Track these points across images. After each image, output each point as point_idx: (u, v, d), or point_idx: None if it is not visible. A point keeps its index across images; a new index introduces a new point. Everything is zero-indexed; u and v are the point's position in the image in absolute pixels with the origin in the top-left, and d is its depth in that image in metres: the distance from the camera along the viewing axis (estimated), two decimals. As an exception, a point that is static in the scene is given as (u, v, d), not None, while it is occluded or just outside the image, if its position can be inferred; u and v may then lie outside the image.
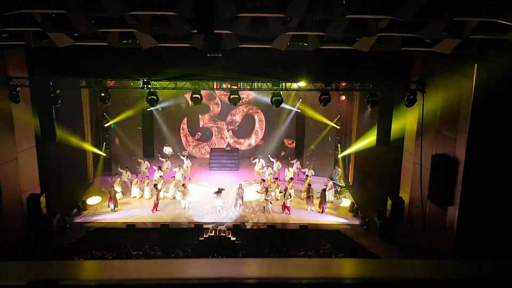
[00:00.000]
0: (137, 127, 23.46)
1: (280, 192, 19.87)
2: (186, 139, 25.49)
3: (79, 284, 1.29)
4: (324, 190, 19.90)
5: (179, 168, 21.57)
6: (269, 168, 22.12)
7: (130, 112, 22.62)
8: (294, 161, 22.65)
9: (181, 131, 25.38)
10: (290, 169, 21.96)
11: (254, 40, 13.70)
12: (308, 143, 23.69)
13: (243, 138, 25.59)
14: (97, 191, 21.25)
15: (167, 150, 23.76)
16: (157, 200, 19.44)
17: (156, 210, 19.47)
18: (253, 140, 25.60)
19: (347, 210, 20.18)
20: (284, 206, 19.49)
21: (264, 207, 19.63)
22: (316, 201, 19.79)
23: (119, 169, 21.57)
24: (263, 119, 25.31)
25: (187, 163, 22.28)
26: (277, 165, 22.31)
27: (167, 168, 22.13)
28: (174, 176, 21.28)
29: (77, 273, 1.38)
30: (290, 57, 15.14)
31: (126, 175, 21.35)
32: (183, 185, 19.95)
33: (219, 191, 19.41)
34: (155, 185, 19.69)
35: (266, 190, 19.64)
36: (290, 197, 19.54)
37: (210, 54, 13.33)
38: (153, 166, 21.63)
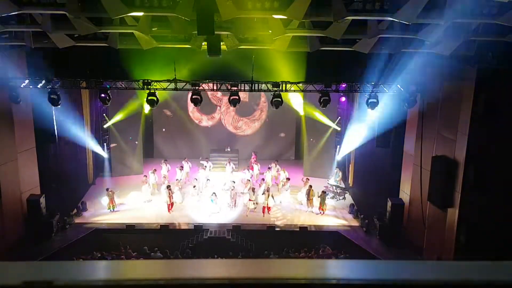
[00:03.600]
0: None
1: (263, 194, 19.78)
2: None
3: (75, 284, 1.28)
4: (324, 192, 19.88)
5: (180, 170, 21.61)
6: (248, 170, 22.08)
7: (130, 107, 22.41)
8: (273, 164, 22.58)
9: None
10: (269, 172, 21.97)
11: (255, 41, 13.72)
12: (309, 144, 23.61)
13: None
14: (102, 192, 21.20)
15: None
16: (170, 201, 19.44)
17: (171, 211, 19.46)
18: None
19: (347, 211, 20.17)
20: (265, 208, 19.47)
21: (248, 207, 19.58)
22: (317, 203, 19.76)
23: (162, 164, 21.95)
24: None
25: (186, 167, 22.35)
26: (257, 167, 22.31)
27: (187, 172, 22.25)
28: (177, 179, 21.30)
29: (74, 273, 1.38)
30: (290, 58, 15.16)
31: (153, 177, 21.34)
32: (194, 186, 20.06)
33: (214, 195, 19.46)
34: (168, 186, 19.67)
35: (253, 190, 19.63)
36: (273, 198, 19.57)
37: (210, 55, 13.34)
38: (175, 168, 21.67)
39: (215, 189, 20.57)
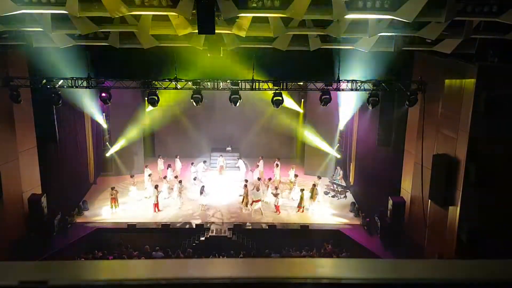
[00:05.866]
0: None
1: (273, 193, 19.83)
2: None
3: (71, 284, 1.28)
4: (302, 190, 19.83)
5: (169, 168, 21.80)
6: (256, 169, 22.10)
7: None
8: (278, 162, 22.64)
9: None
10: (276, 170, 22.03)
11: (255, 40, 13.72)
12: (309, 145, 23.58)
13: None
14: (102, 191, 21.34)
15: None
16: (156, 200, 19.46)
17: (158, 210, 19.49)
18: None
19: (348, 210, 20.17)
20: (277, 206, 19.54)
21: (253, 208, 19.56)
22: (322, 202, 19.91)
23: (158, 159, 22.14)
24: None
25: (178, 165, 22.45)
26: (261, 164, 22.35)
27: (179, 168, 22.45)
28: (165, 176, 21.49)
29: (70, 273, 1.38)
30: (291, 57, 15.15)
31: (147, 173, 21.49)
32: (180, 181, 20.06)
33: (202, 189, 19.56)
34: (156, 186, 19.70)
35: (257, 190, 19.65)
36: (278, 197, 19.61)
37: (211, 54, 13.35)
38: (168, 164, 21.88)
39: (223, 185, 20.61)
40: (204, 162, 22.90)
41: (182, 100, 22.40)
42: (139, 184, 21.03)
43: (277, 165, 22.20)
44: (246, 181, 20.41)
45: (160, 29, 12.39)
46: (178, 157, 22.80)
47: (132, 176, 21.17)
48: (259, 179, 20.81)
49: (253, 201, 19.36)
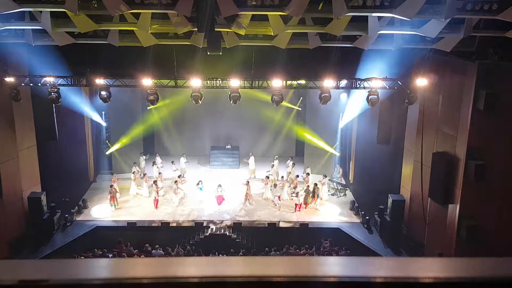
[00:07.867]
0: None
1: (293, 193, 19.94)
2: None
3: (71, 283, 1.28)
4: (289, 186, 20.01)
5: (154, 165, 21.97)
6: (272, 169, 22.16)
7: None
8: (292, 160, 22.64)
9: None
10: (292, 169, 22.05)
11: (255, 38, 13.72)
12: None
13: None
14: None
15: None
16: (157, 196, 19.49)
17: (156, 207, 19.53)
18: None
19: (347, 208, 20.18)
20: (296, 205, 19.59)
21: (274, 203, 19.72)
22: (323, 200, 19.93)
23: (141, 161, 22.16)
24: None
25: (158, 160, 22.61)
26: (276, 163, 22.34)
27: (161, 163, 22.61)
28: (145, 174, 21.54)
29: (70, 271, 1.38)
30: (291, 55, 15.15)
31: (135, 169, 21.54)
32: (175, 182, 20.12)
33: (199, 183, 19.72)
34: (155, 182, 19.71)
35: (275, 186, 19.71)
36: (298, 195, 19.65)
37: (211, 52, 13.34)
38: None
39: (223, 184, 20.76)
40: (183, 155, 22.87)
41: (181, 98, 22.45)
42: (119, 181, 21.05)
43: (293, 164, 22.20)
44: (267, 177, 20.65)
45: (159, 27, 12.40)
46: (158, 155, 23.02)
47: (112, 174, 21.26)
48: (282, 177, 20.88)
49: (279, 197, 19.57)
